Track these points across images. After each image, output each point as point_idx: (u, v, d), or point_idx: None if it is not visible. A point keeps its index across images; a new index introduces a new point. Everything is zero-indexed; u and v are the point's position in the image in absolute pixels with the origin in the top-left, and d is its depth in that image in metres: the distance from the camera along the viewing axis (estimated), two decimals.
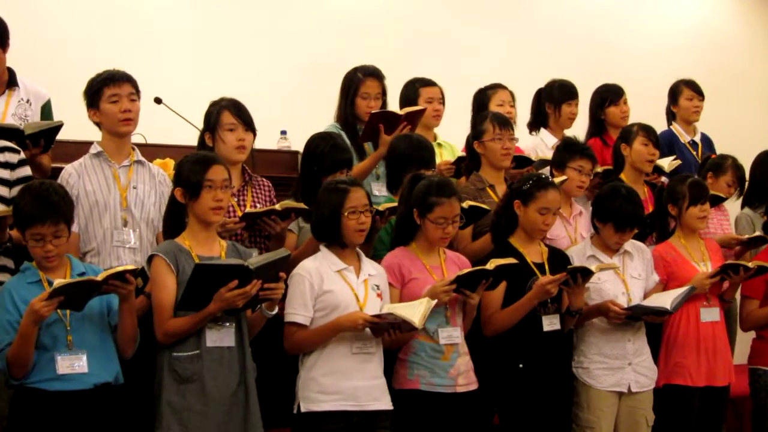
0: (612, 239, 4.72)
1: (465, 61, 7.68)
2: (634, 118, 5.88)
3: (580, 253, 4.76)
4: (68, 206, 3.73)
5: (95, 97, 4.27)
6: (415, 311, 3.94)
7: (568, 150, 5.13)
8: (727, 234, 5.60)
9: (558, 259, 4.60)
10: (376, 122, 5.07)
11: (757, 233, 5.46)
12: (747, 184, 5.85)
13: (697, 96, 6.50)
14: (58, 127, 4.40)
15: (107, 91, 4.25)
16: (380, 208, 4.48)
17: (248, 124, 4.52)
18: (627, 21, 8.87)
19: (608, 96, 6.26)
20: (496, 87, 5.97)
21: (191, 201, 3.88)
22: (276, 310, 3.90)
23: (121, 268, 3.64)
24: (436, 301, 4.04)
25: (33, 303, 3.49)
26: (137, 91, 4.33)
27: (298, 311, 4.01)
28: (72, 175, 4.24)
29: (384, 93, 5.40)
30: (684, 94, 6.50)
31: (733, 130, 7.71)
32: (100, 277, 3.56)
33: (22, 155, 4.16)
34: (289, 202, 4.37)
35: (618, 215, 4.67)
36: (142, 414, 3.86)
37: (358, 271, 4.13)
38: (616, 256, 4.76)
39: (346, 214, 4.05)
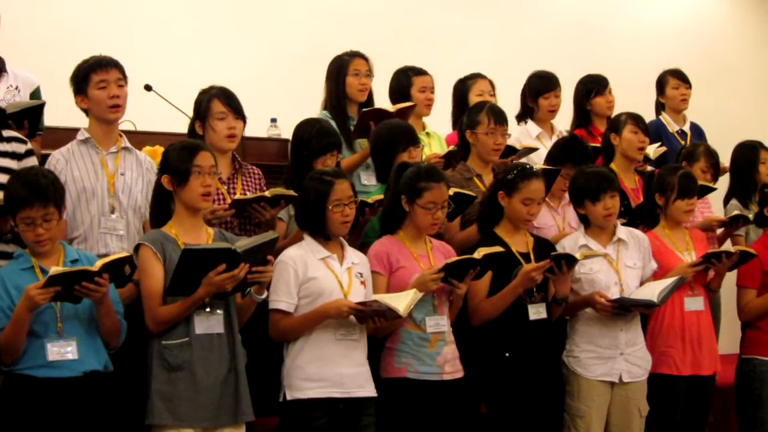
0: (598, 214, 4.65)
1: (454, 51, 7.65)
2: (625, 108, 5.81)
3: (573, 242, 4.71)
4: (57, 190, 3.71)
5: (83, 84, 4.24)
6: (400, 301, 3.96)
7: (565, 152, 5.11)
8: (708, 217, 5.57)
9: (544, 248, 4.57)
10: (367, 119, 5.07)
11: (736, 212, 5.46)
12: (729, 176, 5.86)
13: (683, 84, 6.51)
14: (40, 107, 4.36)
15: (95, 77, 4.23)
16: (369, 200, 4.47)
17: (238, 112, 4.51)
18: (617, 10, 8.86)
19: (593, 87, 6.22)
20: (476, 77, 5.93)
21: (179, 188, 3.87)
22: (265, 294, 3.91)
23: (116, 256, 3.63)
24: (422, 294, 4.06)
25: (29, 289, 3.49)
26: (124, 77, 4.30)
27: (283, 298, 4.03)
28: (60, 160, 4.22)
29: (371, 74, 5.38)
30: (670, 84, 6.51)
31: (724, 120, 7.72)
32: (95, 267, 3.55)
33: (29, 146, 4.15)
34: (279, 189, 4.36)
35: (583, 189, 4.65)
36: (134, 403, 3.85)
37: (341, 259, 4.14)
38: (609, 245, 4.71)
39: (330, 207, 4.06)
